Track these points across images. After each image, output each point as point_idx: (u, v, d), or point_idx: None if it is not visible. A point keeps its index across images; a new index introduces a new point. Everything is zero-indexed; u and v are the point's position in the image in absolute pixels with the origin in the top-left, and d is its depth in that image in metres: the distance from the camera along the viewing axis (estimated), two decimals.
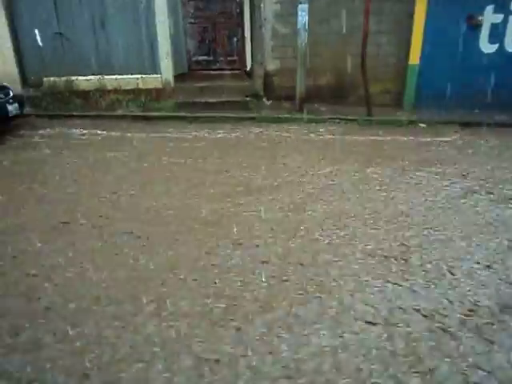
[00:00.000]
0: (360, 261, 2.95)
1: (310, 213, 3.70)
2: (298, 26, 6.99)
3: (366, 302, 2.51)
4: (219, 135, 6.33)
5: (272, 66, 7.82)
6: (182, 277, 2.77)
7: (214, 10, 8.66)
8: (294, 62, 7.23)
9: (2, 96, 6.10)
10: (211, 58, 8.91)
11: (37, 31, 7.64)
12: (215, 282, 2.71)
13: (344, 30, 7.45)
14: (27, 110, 6.90)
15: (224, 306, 2.48)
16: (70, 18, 7.65)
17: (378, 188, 4.29)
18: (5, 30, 7.51)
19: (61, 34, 7.77)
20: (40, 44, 7.72)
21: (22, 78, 7.84)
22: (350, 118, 7.02)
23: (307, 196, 4.09)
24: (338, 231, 3.38)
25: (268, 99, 7.85)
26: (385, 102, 7.62)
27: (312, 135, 6.33)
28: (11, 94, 6.34)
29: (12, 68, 7.68)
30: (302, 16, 6.93)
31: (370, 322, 2.34)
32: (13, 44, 7.62)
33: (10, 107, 6.12)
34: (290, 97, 7.44)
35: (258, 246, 3.16)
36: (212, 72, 8.77)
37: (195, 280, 2.74)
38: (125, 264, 2.95)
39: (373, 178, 4.58)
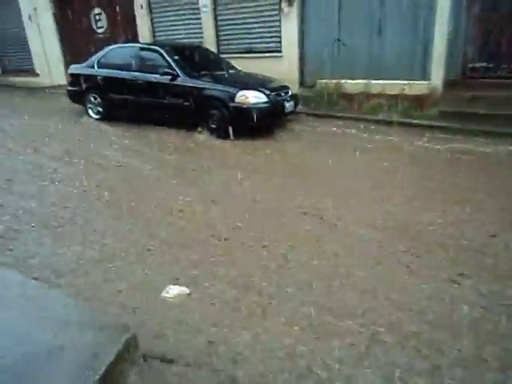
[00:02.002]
0: None
1: None
2: None
3: None
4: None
5: None
6: None
7: (507, 10, 7.63)
8: None
9: (282, 94, 7.07)
10: (491, 65, 7.94)
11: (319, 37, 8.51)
12: None
13: None
14: (299, 108, 7.77)
15: None
16: (350, 25, 8.17)
17: None
18: (295, 37, 8.63)
19: (339, 40, 8.39)
20: (320, 49, 8.56)
21: (300, 80, 8.90)
22: None
23: None
24: None
25: None
26: None
27: None
28: (289, 93, 7.27)
29: (294, 70, 8.82)
30: None
31: None
32: (299, 49, 8.71)
33: (286, 104, 7.03)
34: None
35: None
36: (489, 80, 7.82)
37: None
38: None
39: None
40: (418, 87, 7.68)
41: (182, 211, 4.05)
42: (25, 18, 12.71)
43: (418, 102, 7.57)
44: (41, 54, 12.90)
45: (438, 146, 5.98)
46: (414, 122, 7.10)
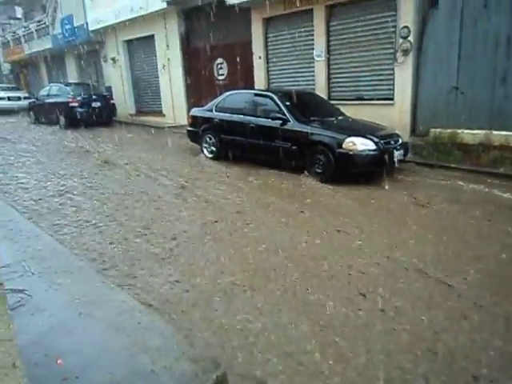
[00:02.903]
0: None
1: None
2: None
3: None
4: None
5: None
6: None
7: None
8: None
9: (392, 142, 6.89)
10: None
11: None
12: None
13: None
14: (410, 156, 7.48)
15: None
16: (470, 73, 7.76)
17: None
18: (409, 85, 8.47)
19: (457, 88, 8.00)
20: (435, 97, 8.25)
21: (412, 128, 8.62)
22: None
23: None
24: None
25: None
26: None
27: None
28: (400, 141, 7.07)
29: (406, 118, 8.58)
30: None
31: None
32: (412, 97, 8.50)
33: (396, 153, 6.81)
34: None
35: None
36: None
37: None
38: None
39: None
40: None
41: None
42: (159, 68, 14.52)
43: None
44: (168, 98, 14.51)
45: None
46: None
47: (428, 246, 4.20)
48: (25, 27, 22.16)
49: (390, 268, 3.75)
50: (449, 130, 7.94)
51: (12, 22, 26.46)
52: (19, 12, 26.52)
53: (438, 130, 8.08)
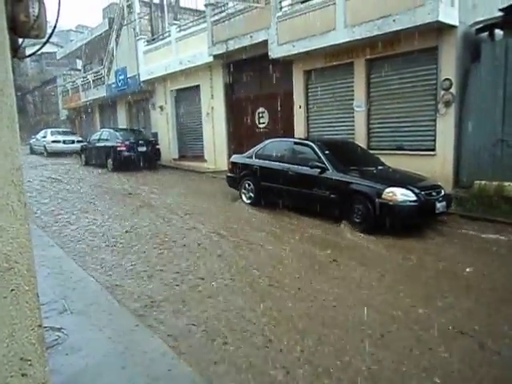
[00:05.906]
0: None
1: None
2: None
3: None
4: None
5: None
6: None
7: None
8: None
9: (433, 194, 6.72)
10: None
11: None
12: None
13: None
14: (452, 208, 7.25)
15: None
16: None
17: None
18: (451, 137, 8.37)
19: (503, 140, 7.81)
20: (479, 149, 8.07)
21: (455, 179, 8.41)
22: None
23: None
24: None
25: None
26: None
27: None
28: (442, 192, 6.87)
29: (448, 170, 8.41)
30: None
31: None
32: (454, 148, 8.36)
33: (438, 204, 6.62)
34: None
35: None
36: None
37: None
38: None
39: None
40: None
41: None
42: (203, 115, 15.17)
43: None
44: (210, 144, 15.01)
45: None
46: None
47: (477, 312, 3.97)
48: (83, 77, 23.99)
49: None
50: (495, 183, 7.68)
51: (72, 72, 28.78)
52: (79, 64, 28.89)
53: (483, 182, 7.83)
